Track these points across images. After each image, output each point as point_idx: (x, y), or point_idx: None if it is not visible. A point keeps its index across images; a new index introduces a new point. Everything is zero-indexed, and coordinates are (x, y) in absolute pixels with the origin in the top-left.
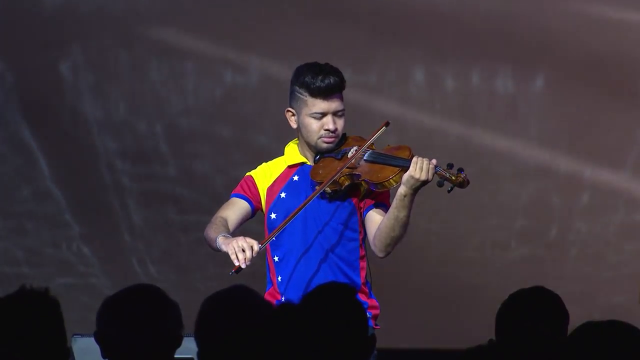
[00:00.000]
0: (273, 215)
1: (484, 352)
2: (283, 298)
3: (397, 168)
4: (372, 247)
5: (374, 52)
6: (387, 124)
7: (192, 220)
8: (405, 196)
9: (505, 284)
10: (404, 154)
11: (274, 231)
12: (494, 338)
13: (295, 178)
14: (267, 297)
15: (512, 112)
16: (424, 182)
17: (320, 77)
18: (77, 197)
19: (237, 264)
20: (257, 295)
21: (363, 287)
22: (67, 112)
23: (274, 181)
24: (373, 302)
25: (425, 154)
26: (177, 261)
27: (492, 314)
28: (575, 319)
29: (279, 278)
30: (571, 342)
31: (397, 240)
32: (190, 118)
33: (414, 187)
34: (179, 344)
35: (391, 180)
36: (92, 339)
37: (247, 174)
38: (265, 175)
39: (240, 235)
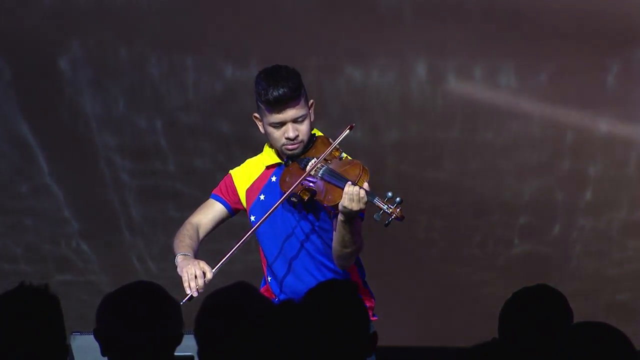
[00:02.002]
0: (252, 217)
1: (487, 351)
2: (277, 299)
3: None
4: (333, 259)
5: (376, 46)
6: (351, 128)
7: None
8: (345, 222)
9: (507, 281)
10: (352, 174)
11: (229, 254)
12: (497, 336)
13: (273, 179)
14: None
15: (514, 107)
16: (358, 211)
17: (270, 89)
18: (76, 193)
19: (188, 292)
20: (257, 293)
21: (356, 279)
22: (66, 108)
23: (253, 182)
24: (366, 292)
25: (426, 152)
26: None
27: (494, 312)
28: (579, 317)
29: (269, 279)
30: (564, 342)
31: (351, 255)
32: (190, 113)
33: (349, 215)
34: (179, 342)
35: (340, 203)
36: (91, 337)
37: (230, 171)
38: (244, 175)
39: (201, 259)
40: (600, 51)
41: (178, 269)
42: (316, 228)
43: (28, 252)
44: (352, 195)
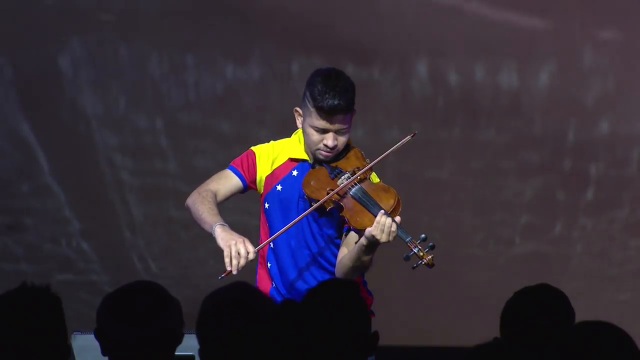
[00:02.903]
0: (267, 205)
1: (489, 351)
2: (274, 284)
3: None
4: (335, 270)
5: (377, 46)
6: (413, 135)
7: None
8: (366, 247)
9: (509, 280)
10: (387, 203)
11: (270, 239)
12: (498, 336)
13: (294, 173)
14: (260, 278)
15: (516, 106)
16: (384, 242)
17: (327, 97)
18: (76, 192)
19: (228, 269)
20: (258, 292)
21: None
22: (67, 107)
23: (274, 170)
24: (364, 290)
25: (427, 151)
26: (177, 257)
27: (496, 311)
28: (580, 316)
29: (269, 265)
30: (567, 341)
31: (358, 272)
32: (191, 113)
33: (374, 243)
34: (179, 341)
35: (368, 229)
36: (92, 336)
37: (252, 148)
38: (267, 160)
39: (238, 234)
40: (602, 49)
41: (219, 240)
42: (325, 236)
43: (29, 252)
44: (383, 227)
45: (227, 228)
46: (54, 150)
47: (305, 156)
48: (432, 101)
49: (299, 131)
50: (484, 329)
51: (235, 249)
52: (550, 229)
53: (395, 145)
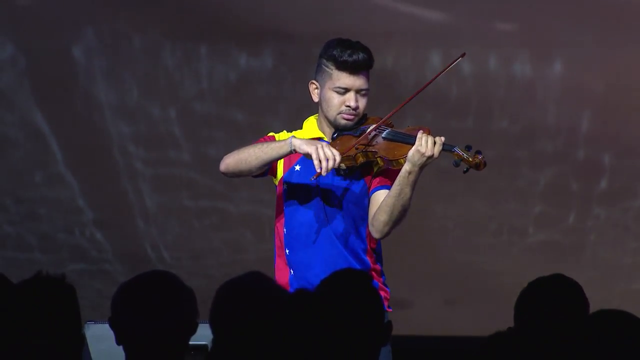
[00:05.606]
0: (285, 186)
1: (503, 340)
2: (292, 271)
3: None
4: (370, 227)
5: (390, 35)
6: (463, 55)
7: (206, 205)
8: (410, 173)
9: (522, 270)
10: (423, 132)
11: (384, 119)
12: (512, 326)
13: None
14: (277, 268)
15: (530, 96)
16: (429, 158)
17: (348, 52)
18: (90, 182)
19: (318, 171)
20: (272, 282)
21: (374, 265)
22: (80, 96)
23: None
24: (381, 280)
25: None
26: (191, 247)
27: (509, 301)
28: (594, 306)
29: (287, 251)
30: (583, 330)
31: (395, 221)
32: (205, 102)
33: (418, 163)
34: (193, 331)
35: (411, 150)
36: (106, 326)
37: (271, 133)
38: None
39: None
40: (616, 39)
41: (303, 147)
42: (351, 207)
43: (42, 241)
44: (427, 139)
45: (306, 138)
46: (68, 139)
47: (320, 134)
48: (446, 91)
49: (310, 118)
50: (498, 318)
51: (323, 152)
52: (564, 219)
53: (444, 69)
